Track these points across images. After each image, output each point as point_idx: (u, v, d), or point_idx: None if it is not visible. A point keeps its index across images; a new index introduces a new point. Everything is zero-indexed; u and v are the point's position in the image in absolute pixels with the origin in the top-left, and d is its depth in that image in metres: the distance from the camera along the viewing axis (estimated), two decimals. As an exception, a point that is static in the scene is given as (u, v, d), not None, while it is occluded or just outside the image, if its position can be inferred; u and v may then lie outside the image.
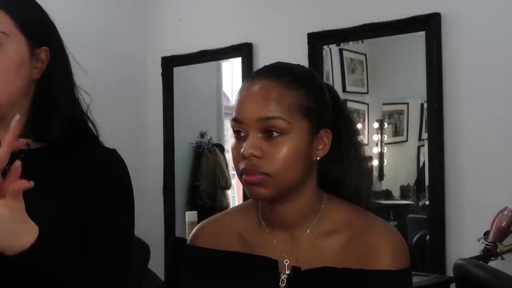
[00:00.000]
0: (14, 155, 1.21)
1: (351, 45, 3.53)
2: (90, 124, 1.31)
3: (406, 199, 3.38)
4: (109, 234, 1.21)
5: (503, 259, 2.55)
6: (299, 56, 3.26)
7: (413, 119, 3.34)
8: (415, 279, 2.68)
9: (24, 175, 1.18)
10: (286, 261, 1.18)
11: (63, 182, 1.22)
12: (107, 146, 1.33)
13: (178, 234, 3.89)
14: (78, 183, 1.22)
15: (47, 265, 1.10)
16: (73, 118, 1.27)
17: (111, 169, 1.26)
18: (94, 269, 1.17)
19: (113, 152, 1.30)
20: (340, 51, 3.51)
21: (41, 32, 1.23)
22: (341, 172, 1.23)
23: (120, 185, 1.26)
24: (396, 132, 3.47)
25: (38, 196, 1.16)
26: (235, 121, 1.15)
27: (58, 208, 1.19)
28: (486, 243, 2.57)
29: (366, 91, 3.51)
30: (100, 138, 1.33)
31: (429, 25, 2.97)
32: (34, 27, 1.22)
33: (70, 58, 1.30)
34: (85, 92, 1.32)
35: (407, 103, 3.42)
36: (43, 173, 1.21)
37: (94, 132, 1.31)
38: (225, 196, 4.25)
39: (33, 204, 1.14)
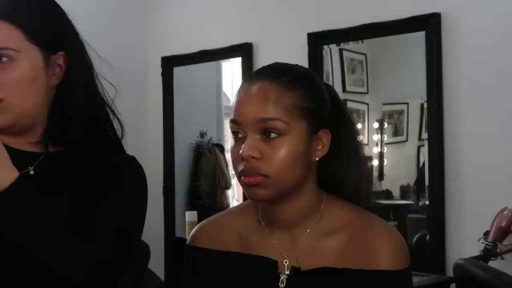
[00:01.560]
0: (31, 159, 1.20)
1: (351, 45, 3.53)
2: (115, 122, 1.27)
3: (406, 199, 3.38)
4: (108, 228, 1.16)
5: (503, 259, 2.55)
6: (299, 56, 3.26)
7: (413, 119, 3.35)
8: (415, 279, 2.68)
9: (38, 178, 1.18)
10: (286, 262, 1.17)
11: (73, 185, 1.19)
12: None
13: (178, 234, 3.89)
14: (88, 185, 1.19)
15: (18, 215, 1.06)
16: (95, 121, 1.24)
17: (124, 172, 1.22)
18: (80, 251, 1.10)
19: (131, 158, 1.26)
20: (340, 51, 3.51)
21: (54, 39, 1.20)
22: (341, 172, 1.23)
23: (130, 186, 1.22)
24: (396, 132, 3.48)
25: (45, 197, 1.16)
26: (234, 123, 1.14)
27: (64, 208, 1.16)
28: (486, 243, 2.57)
29: (366, 91, 3.51)
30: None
31: (429, 25, 2.97)
32: (46, 35, 1.19)
33: (94, 54, 1.27)
34: (111, 84, 1.30)
35: (407, 103, 3.42)
36: (55, 177, 1.19)
37: (119, 132, 1.28)
38: (225, 196, 4.25)
39: (41, 206, 1.13)
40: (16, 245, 1.08)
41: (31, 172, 1.19)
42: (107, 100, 1.28)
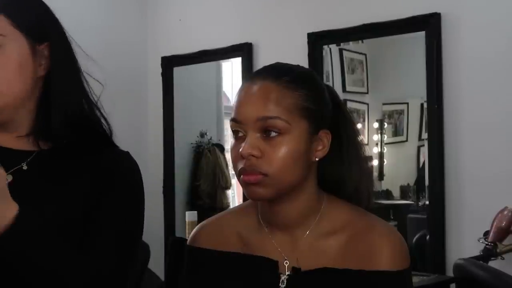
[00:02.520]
0: (23, 157, 1.20)
1: (351, 45, 3.53)
2: (102, 120, 1.27)
3: (406, 199, 3.39)
4: (110, 234, 1.16)
5: (503, 259, 2.55)
6: (299, 56, 3.26)
7: (413, 119, 3.35)
8: (415, 279, 2.68)
9: (30, 177, 1.18)
10: (286, 262, 1.17)
11: (67, 182, 1.18)
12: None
13: (178, 234, 3.89)
14: (82, 183, 1.18)
15: (24, 247, 1.05)
16: (82, 117, 1.23)
17: (120, 170, 1.22)
18: (84, 262, 1.11)
19: (125, 154, 1.26)
20: (340, 51, 3.51)
21: (40, 29, 1.21)
22: (341, 173, 1.23)
23: (128, 186, 1.22)
24: (396, 132, 3.48)
25: (41, 195, 1.16)
26: (234, 121, 1.15)
27: (60, 206, 1.16)
28: (486, 243, 2.57)
29: (366, 91, 3.52)
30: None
31: (429, 25, 2.97)
32: (33, 24, 1.20)
33: (80, 52, 1.27)
34: (97, 81, 1.29)
35: (407, 103, 3.42)
36: (49, 174, 1.19)
37: (107, 130, 1.27)
38: (225, 196, 4.25)
39: (37, 200, 1.13)
40: (17, 266, 1.07)
41: (24, 167, 1.19)
42: (93, 98, 1.28)
